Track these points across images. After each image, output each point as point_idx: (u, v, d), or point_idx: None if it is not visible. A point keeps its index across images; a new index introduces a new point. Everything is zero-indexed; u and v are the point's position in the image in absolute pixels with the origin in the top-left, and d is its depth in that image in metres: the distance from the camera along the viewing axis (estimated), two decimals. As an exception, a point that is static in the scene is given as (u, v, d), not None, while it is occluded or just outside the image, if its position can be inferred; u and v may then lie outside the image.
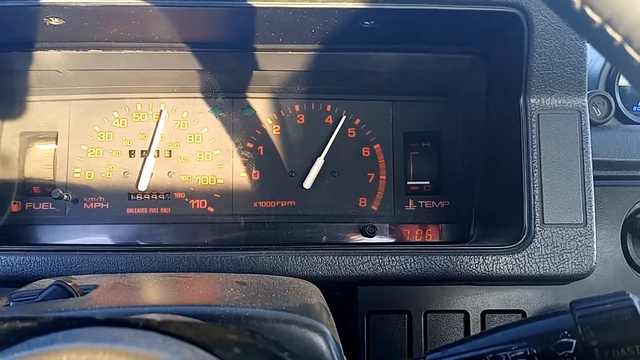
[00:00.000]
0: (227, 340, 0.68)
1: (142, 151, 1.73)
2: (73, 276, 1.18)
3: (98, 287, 1.01)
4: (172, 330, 0.65)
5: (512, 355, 0.89)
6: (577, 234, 1.39)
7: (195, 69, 1.64)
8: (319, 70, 1.66)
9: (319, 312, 0.92)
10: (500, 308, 1.52)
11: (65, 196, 1.67)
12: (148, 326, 0.65)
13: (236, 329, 0.70)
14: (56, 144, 1.71)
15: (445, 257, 1.40)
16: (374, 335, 1.51)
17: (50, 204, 1.70)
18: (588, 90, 1.47)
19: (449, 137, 1.75)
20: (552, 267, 1.38)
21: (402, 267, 1.40)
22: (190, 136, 1.74)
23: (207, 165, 1.74)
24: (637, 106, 1.78)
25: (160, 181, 1.72)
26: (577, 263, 1.38)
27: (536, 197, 1.39)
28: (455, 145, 1.74)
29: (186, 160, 1.73)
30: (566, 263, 1.38)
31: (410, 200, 1.75)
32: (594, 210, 1.40)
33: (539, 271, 1.39)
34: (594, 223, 1.40)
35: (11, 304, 0.96)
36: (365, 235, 1.71)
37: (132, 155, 1.72)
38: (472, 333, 1.51)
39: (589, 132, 1.43)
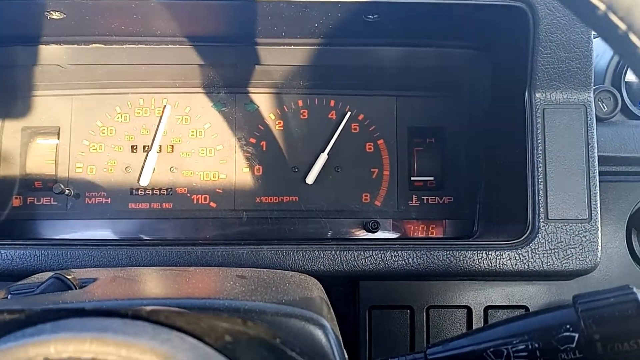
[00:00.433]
0: (218, 328, 0.68)
1: (144, 146, 1.72)
2: (73, 269, 1.18)
3: (97, 280, 1.00)
4: (162, 320, 0.65)
5: (514, 349, 0.88)
6: (582, 230, 1.38)
7: (197, 64, 1.63)
8: (322, 65, 1.65)
9: (319, 305, 0.92)
10: (503, 304, 1.51)
11: (67, 191, 1.66)
12: (137, 316, 0.64)
13: (227, 317, 0.69)
14: (58, 138, 1.71)
15: (447, 252, 1.39)
16: (376, 331, 1.51)
17: (52, 198, 1.70)
18: (594, 86, 1.46)
19: (453, 133, 1.74)
20: (556, 262, 1.37)
21: (405, 262, 1.39)
22: (192, 131, 1.73)
23: (210, 160, 1.73)
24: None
25: (162, 176, 1.72)
26: (581, 258, 1.37)
27: (540, 192, 1.38)
28: (459, 141, 1.73)
29: (188, 155, 1.73)
30: (570, 258, 1.37)
31: (414, 196, 1.75)
32: (598, 205, 1.39)
33: (543, 266, 1.38)
34: (599, 218, 1.39)
35: (9, 296, 0.96)
36: (368, 230, 1.71)
37: (134, 151, 1.72)
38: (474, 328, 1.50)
39: (595, 127, 1.42)
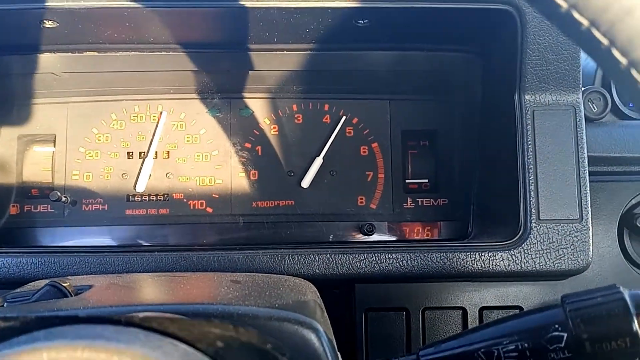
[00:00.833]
0: (210, 334, 0.69)
1: (140, 152, 1.73)
2: (69, 277, 1.19)
3: (92, 288, 1.01)
4: (154, 326, 0.65)
5: (504, 349, 0.89)
6: (573, 230, 1.39)
7: (191, 70, 1.64)
8: (315, 70, 1.66)
9: (313, 309, 0.92)
10: (498, 304, 1.52)
11: (64, 198, 1.67)
12: (130, 322, 0.65)
13: (219, 323, 0.70)
14: (54, 146, 1.71)
15: (442, 254, 1.40)
16: (372, 333, 1.51)
17: (49, 206, 1.70)
18: (584, 86, 1.47)
19: (446, 135, 1.75)
20: (548, 262, 1.38)
21: (400, 264, 1.40)
22: (188, 137, 1.74)
23: (206, 165, 1.74)
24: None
25: (158, 182, 1.72)
26: (573, 258, 1.38)
27: (532, 193, 1.40)
28: (452, 143, 1.74)
29: (184, 161, 1.74)
30: (562, 258, 1.38)
31: (408, 199, 1.75)
32: (589, 205, 1.40)
33: (536, 267, 1.39)
34: (590, 218, 1.40)
35: (5, 304, 0.96)
36: (364, 233, 1.71)
37: (131, 157, 1.73)
38: (469, 329, 1.51)
39: (584, 127, 1.43)
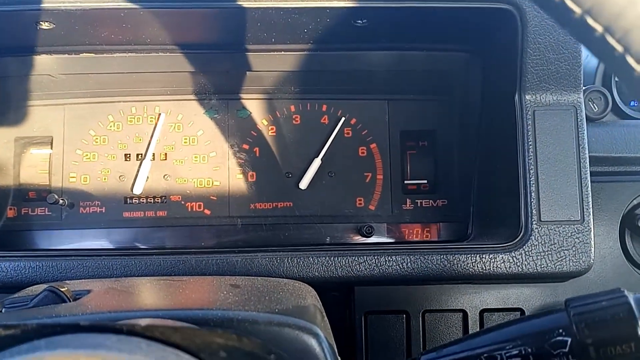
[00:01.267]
0: (213, 344, 0.68)
1: (137, 154, 1.72)
2: (67, 281, 1.18)
3: (90, 293, 1.00)
4: (157, 335, 0.64)
5: (507, 354, 0.88)
6: (575, 231, 1.38)
7: (188, 71, 1.64)
8: (313, 70, 1.66)
9: (313, 313, 0.92)
10: (499, 306, 1.51)
11: (61, 201, 1.66)
12: (132, 331, 0.64)
13: (222, 333, 0.70)
14: (51, 148, 1.71)
15: (442, 256, 1.39)
16: (372, 336, 1.50)
17: (46, 209, 1.70)
18: (585, 86, 1.46)
19: (445, 136, 1.74)
20: (549, 264, 1.38)
21: (399, 266, 1.39)
22: (185, 139, 1.73)
23: (203, 167, 1.73)
24: (635, 101, 1.77)
25: (156, 184, 1.72)
26: (574, 260, 1.38)
27: (532, 194, 1.39)
28: (452, 144, 1.73)
29: (182, 162, 1.73)
30: (564, 260, 1.38)
31: (407, 200, 1.75)
32: (591, 206, 1.39)
33: (537, 269, 1.38)
34: (592, 219, 1.39)
35: (3, 310, 0.96)
36: (362, 235, 1.71)
37: (128, 159, 1.72)
38: (470, 332, 1.50)
39: (585, 127, 1.42)
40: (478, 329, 1.50)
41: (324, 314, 0.98)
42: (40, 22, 1.38)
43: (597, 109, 1.64)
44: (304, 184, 1.71)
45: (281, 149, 1.74)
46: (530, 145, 1.40)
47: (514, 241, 1.39)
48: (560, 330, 0.86)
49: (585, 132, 1.41)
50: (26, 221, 1.70)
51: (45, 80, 1.63)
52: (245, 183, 1.73)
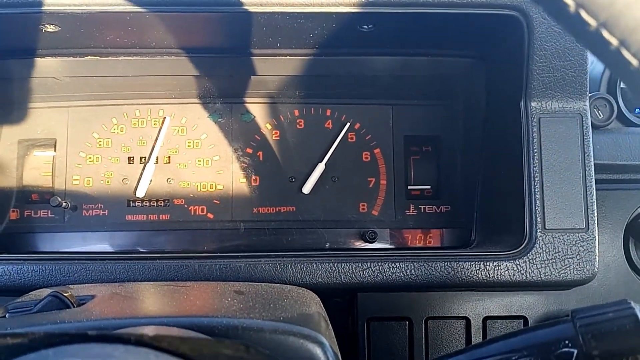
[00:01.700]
0: (221, 354, 0.67)
1: (141, 157, 1.72)
2: (70, 286, 1.18)
3: (94, 298, 1.00)
4: (165, 346, 0.64)
5: (513, 365, 0.88)
6: (579, 239, 1.38)
7: (193, 75, 1.63)
8: (317, 75, 1.65)
9: (318, 321, 0.91)
10: (502, 314, 1.51)
11: (64, 203, 1.66)
12: (140, 342, 0.64)
13: (230, 343, 0.69)
14: (54, 151, 1.70)
15: (445, 263, 1.39)
16: (374, 342, 1.50)
17: (49, 211, 1.69)
18: (589, 93, 1.46)
19: (449, 141, 1.74)
20: (553, 272, 1.37)
21: (403, 273, 1.39)
22: (189, 142, 1.73)
23: (207, 171, 1.73)
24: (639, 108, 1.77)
25: (159, 187, 1.71)
26: (579, 268, 1.37)
27: (537, 201, 1.38)
28: (455, 149, 1.73)
29: (185, 166, 1.72)
30: (568, 268, 1.37)
31: (411, 205, 1.74)
32: (595, 214, 1.39)
33: (541, 277, 1.37)
34: (596, 228, 1.39)
35: (7, 315, 0.95)
36: (366, 240, 1.70)
37: (131, 162, 1.72)
38: (473, 339, 1.50)
39: (591, 135, 1.41)
40: (481, 337, 1.50)
41: (329, 321, 0.98)
42: (45, 25, 1.37)
43: (602, 116, 1.64)
44: (307, 188, 1.71)
45: (285, 153, 1.74)
46: (536, 152, 1.40)
47: (519, 249, 1.39)
48: (567, 342, 0.86)
49: (591, 139, 1.41)
50: (29, 224, 1.69)
51: (50, 82, 1.63)
52: (249, 187, 1.72)
